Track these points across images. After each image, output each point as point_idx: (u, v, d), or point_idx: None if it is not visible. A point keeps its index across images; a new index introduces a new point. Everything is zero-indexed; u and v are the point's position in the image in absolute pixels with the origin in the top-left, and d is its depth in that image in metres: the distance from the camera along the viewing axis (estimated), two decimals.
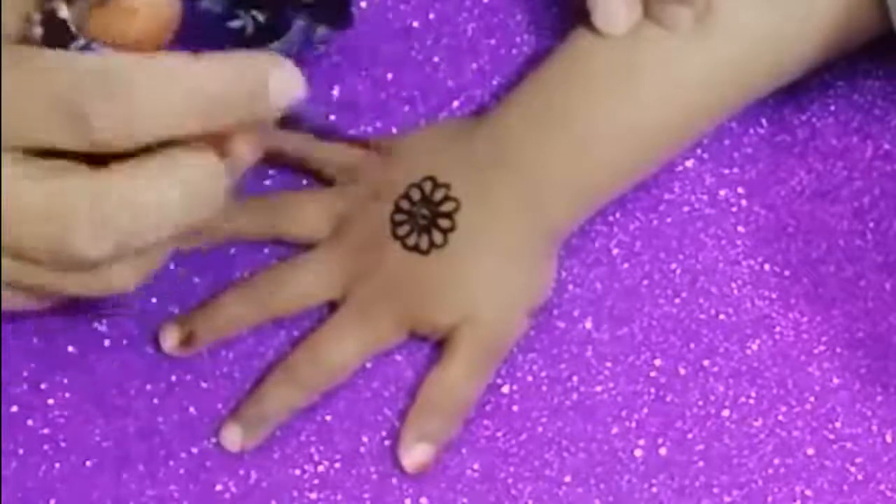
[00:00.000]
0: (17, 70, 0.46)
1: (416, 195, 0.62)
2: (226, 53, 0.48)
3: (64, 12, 0.48)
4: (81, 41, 0.48)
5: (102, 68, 0.46)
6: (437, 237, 0.62)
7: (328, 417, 0.63)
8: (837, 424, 0.62)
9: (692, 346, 0.63)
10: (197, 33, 0.49)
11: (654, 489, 0.62)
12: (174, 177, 0.48)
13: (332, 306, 0.63)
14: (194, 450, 0.62)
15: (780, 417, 0.63)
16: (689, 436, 0.62)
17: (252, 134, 0.50)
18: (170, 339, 0.63)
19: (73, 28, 0.48)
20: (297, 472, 0.62)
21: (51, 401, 0.63)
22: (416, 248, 0.62)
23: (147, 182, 0.47)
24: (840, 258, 0.64)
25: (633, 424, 0.63)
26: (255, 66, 0.48)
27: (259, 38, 0.57)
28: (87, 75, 0.46)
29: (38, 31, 0.48)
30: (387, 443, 0.63)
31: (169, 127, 0.47)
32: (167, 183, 0.47)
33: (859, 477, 0.62)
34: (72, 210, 0.46)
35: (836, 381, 0.63)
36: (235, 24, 0.55)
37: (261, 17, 0.56)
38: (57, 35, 0.48)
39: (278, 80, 0.48)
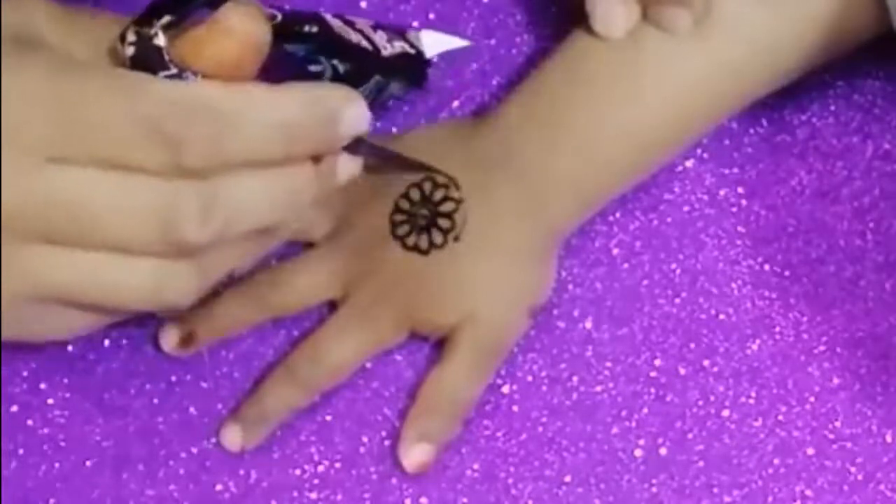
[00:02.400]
0: (105, 86, 0.48)
1: (415, 195, 0.62)
2: (304, 84, 0.52)
3: (160, 40, 0.49)
4: (173, 70, 0.49)
5: (196, 97, 0.49)
6: (437, 237, 0.62)
7: (328, 417, 0.63)
8: (837, 424, 0.62)
9: (692, 346, 0.63)
10: (278, 73, 0.51)
11: (654, 489, 0.62)
12: (275, 177, 0.52)
13: (332, 306, 0.63)
14: (194, 450, 0.62)
15: (780, 417, 0.63)
16: (689, 436, 0.62)
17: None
18: (170, 339, 0.63)
19: (166, 56, 0.49)
20: (297, 472, 0.62)
21: (50, 400, 0.63)
22: (415, 249, 0.62)
23: (250, 178, 0.51)
24: (840, 258, 0.64)
25: (633, 424, 0.63)
26: (332, 99, 0.52)
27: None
28: (180, 104, 0.48)
29: (129, 50, 0.49)
30: (387, 443, 0.63)
31: (255, 153, 0.50)
32: (267, 178, 0.51)
33: (859, 477, 0.62)
34: (185, 205, 0.49)
35: (836, 381, 0.63)
36: (315, 68, 0.56)
37: (341, 68, 0.57)
38: (148, 60, 0.49)
39: (350, 112, 0.53)
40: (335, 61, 0.56)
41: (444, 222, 0.62)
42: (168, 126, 0.48)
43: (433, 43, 0.61)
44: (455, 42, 0.61)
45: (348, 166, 0.55)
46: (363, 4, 0.67)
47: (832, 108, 0.66)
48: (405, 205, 0.62)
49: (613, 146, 0.62)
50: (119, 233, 0.49)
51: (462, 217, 0.61)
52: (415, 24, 0.67)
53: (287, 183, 0.52)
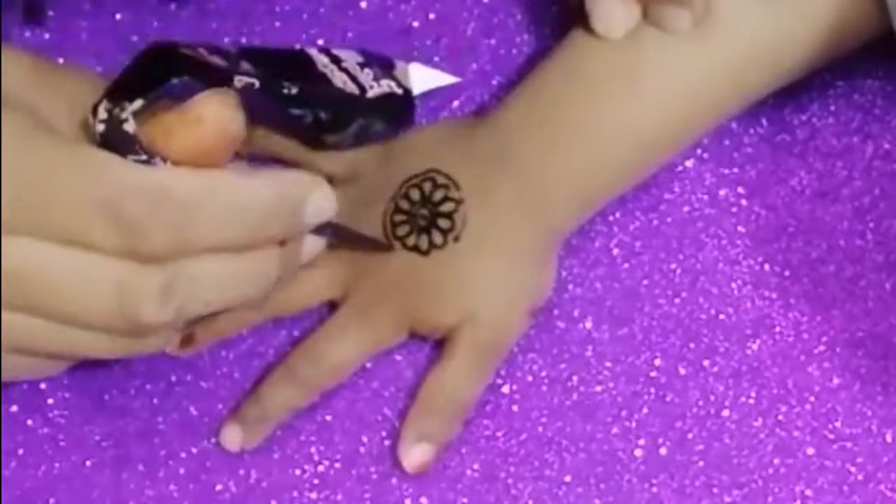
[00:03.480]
0: (68, 161, 0.48)
1: (415, 195, 0.62)
2: (270, 172, 0.53)
3: (130, 126, 0.49)
4: (142, 156, 0.49)
5: (160, 184, 0.48)
6: (437, 237, 0.62)
7: (328, 417, 0.63)
8: (837, 424, 0.62)
9: (692, 346, 0.63)
10: (259, 111, 0.51)
11: (654, 489, 0.62)
12: (237, 260, 0.51)
13: (332, 306, 0.63)
14: (194, 450, 0.62)
15: (780, 417, 0.63)
16: (689, 436, 0.62)
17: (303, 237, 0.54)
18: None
19: (137, 144, 0.49)
20: (297, 472, 0.62)
21: (50, 400, 0.63)
22: (415, 249, 0.62)
23: (212, 262, 0.50)
24: (840, 258, 0.64)
25: (633, 424, 0.63)
26: (297, 188, 0.52)
27: (316, 129, 0.59)
28: (143, 189, 0.48)
29: (99, 127, 0.49)
30: (387, 443, 0.63)
31: (217, 241, 0.50)
32: (230, 262, 0.51)
33: (859, 477, 0.62)
34: (143, 286, 0.49)
35: (836, 381, 0.63)
36: (297, 112, 0.57)
37: (323, 115, 0.57)
38: (118, 142, 0.49)
39: (315, 202, 0.53)
40: (317, 109, 0.57)
41: (443, 222, 0.62)
42: (129, 212, 0.48)
43: (421, 79, 0.61)
44: (443, 79, 0.62)
45: (312, 246, 0.55)
46: (363, 4, 0.67)
47: (832, 108, 0.66)
48: (405, 205, 0.62)
49: (613, 146, 0.61)
50: (75, 309, 0.49)
51: (462, 217, 0.61)
52: (415, 24, 0.67)
53: (249, 267, 0.52)
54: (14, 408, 0.62)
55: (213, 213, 0.49)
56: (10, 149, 0.47)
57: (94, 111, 0.49)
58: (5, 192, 0.47)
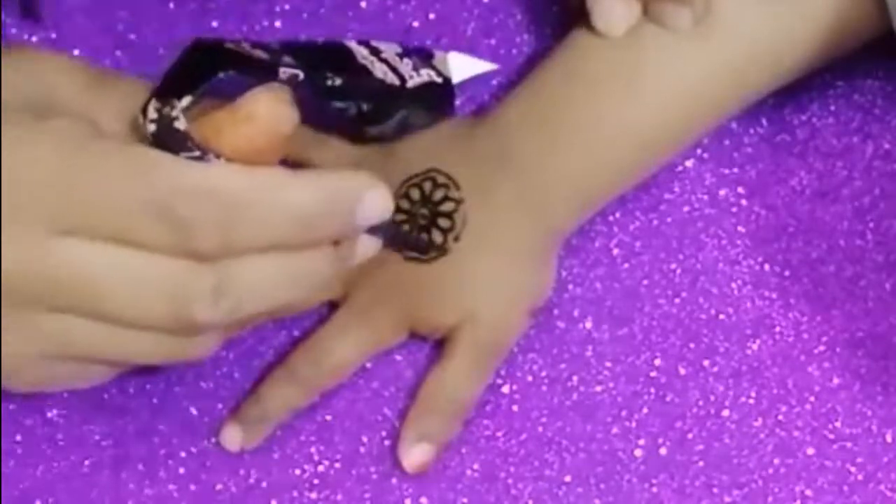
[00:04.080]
0: (119, 162, 0.48)
1: (415, 195, 0.62)
2: (323, 172, 0.51)
3: (181, 123, 0.48)
4: (195, 153, 0.49)
5: (212, 183, 0.48)
6: (437, 237, 0.62)
7: (328, 417, 0.63)
8: (837, 424, 0.62)
9: (692, 346, 0.63)
10: (303, 106, 0.51)
11: (654, 489, 0.62)
12: (290, 260, 0.51)
13: (333, 306, 0.63)
14: (194, 450, 0.62)
15: (780, 417, 0.63)
16: (689, 436, 0.62)
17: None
18: None
19: (189, 140, 0.49)
20: (297, 472, 0.62)
21: (49, 399, 0.62)
22: (415, 248, 0.62)
23: (265, 261, 0.50)
24: (840, 258, 0.64)
25: (633, 424, 0.63)
26: (351, 189, 0.51)
27: (360, 121, 0.59)
28: (194, 188, 0.48)
29: (150, 127, 0.49)
30: (387, 443, 0.62)
31: (269, 240, 0.50)
32: (282, 262, 0.51)
33: (859, 477, 0.62)
34: (196, 285, 0.49)
35: (836, 381, 0.63)
36: (339, 104, 0.57)
37: (365, 107, 0.57)
38: (169, 140, 0.49)
39: (369, 202, 0.51)
40: (360, 101, 0.57)
41: (443, 222, 0.62)
42: (180, 211, 0.48)
43: (460, 67, 0.61)
44: (482, 66, 0.62)
45: (367, 247, 0.54)
46: (363, 4, 0.67)
47: (832, 108, 0.66)
48: (405, 204, 0.62)
49: (613, 146, 0.62)
50: (128, 310, 0.49)
51: (462, 217, 0.61)
52: (415, 24, 0.67)
53: (302, 267, 0.52)
54: (12, 407, 0.62)
55: (265, 212, 0.49)
56: (61, 153, 0.48)
57: (144, 111, 0.49)
58: (58, 195, 0.47)
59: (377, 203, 0.52)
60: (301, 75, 0.53)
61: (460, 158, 0.63)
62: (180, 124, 0.49)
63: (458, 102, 0.65)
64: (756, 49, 0.61)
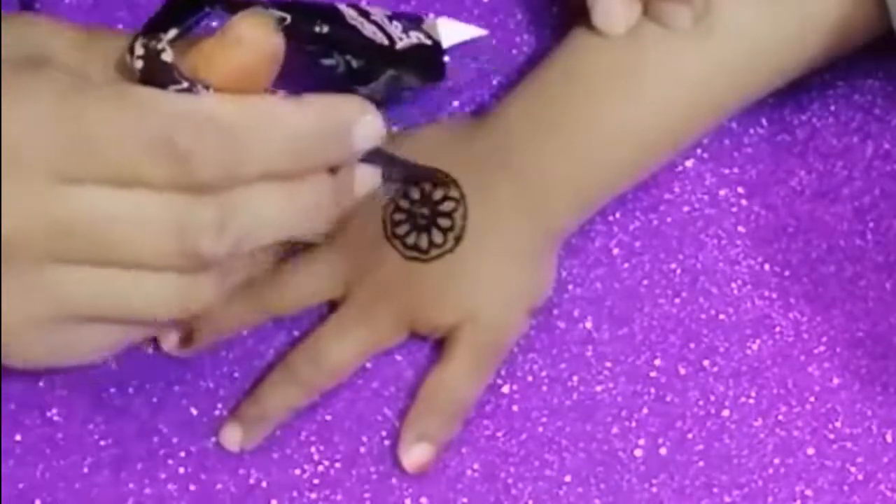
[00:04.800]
0: (113, 104, 0.48)
1: (415, 195, 0.62)
2: (317, 96, 0.52)
3: (168, 55, 0.49)
4: (184, 84, 0.49)
5: (207, 112, 0.49)
6: (437, 237, 0.62)
7: (328, 417, 0.63)
8: (837, 424, 0.62)
9: (692, 346, 0.63)
10: (289, 66, 0.51)
11: (654, 489, 0.62)
12: (290, 188, 0.51)
13: (333, 306, 0.63)
14: (194, 450, 0.62)
15: (780, 417, 0.63)
16: (689, 436, 0.62)
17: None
18: (170, 339, 0.63)
19: (177, 72, 0.49)
20: (297, 472, 0.62)
21: (49, 399, 0.62)
22: (415, 248, 0.62)
23: (265, 190, 0.51)
24: (840, 258, 0.64)
25: (633, 424, 0.63)
26: (344, 111, 0.52)
27: (348, 80, 0.59)
28: (190, 118, 0.48)
29: (137, 64, 0.49)
30: (387, 443, 0.62)
31: (268, 165, 0.50)
32: (283, 191, 0.51)
33: (859, 477, 0.62)
34: (200, 217, 0.49)
35: (836, 381, 0.63)
36: (328, 62, 0.56)
37: (354, 63, 0.57)
38: (158, 74, 0.49)
39: (364, 125, 0.52)
40: (348, 56, 0.56)
41: (444, 221, 0.62)
42: (179, 140, 0.48)
43: (450, 32, 0.61)
44: (472, 31, 0.61)
45: (366, 178, 0.55)
46: (363, 4, 0.67)
47: (832, 108, 0.66)
48: (405, 204, 0.62)
49: (613, 145, 0.62)
50: (135, 249, 0.49)
51: (462, 216, 0.61)
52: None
53: (303, 195, 0.52)
54: (12, 406, 0.62)
55: (261, 137, 0.49)
56: (56, 100, 0.48)
57: (131, 50, 0.49)
58: (56, 142, 0.47)
59: (371, 126, 0.53)
60: (288, 19, 0.53)
61: (460, 158, 0.63)
62: (167, 56, 0.49)
63: (456, 104, 0.65)
64: (756, 49, 0.61)
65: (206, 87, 0.49)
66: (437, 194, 0.62)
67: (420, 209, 0.62)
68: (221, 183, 0.49)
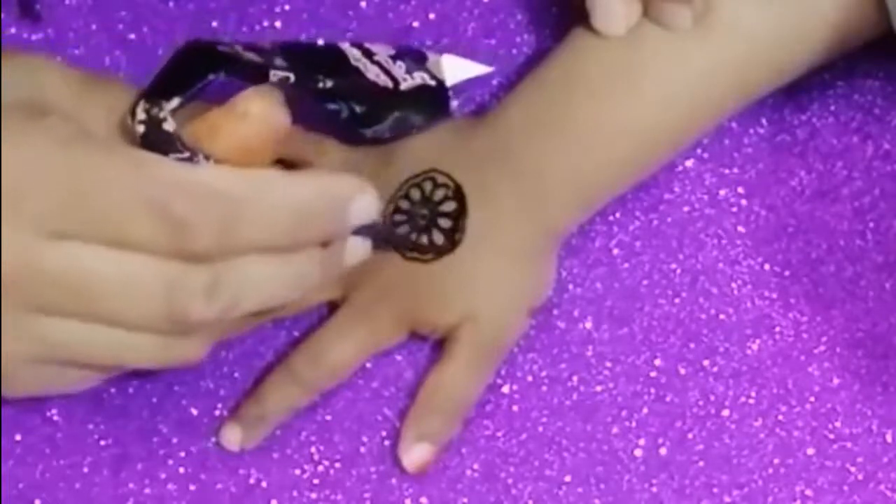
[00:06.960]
0: (114, 162, 0.48)
1: (416, 195, 0.62)
2: (315, 172, 0.54)
3: (170, 125, 0.49)
4: (184, 153, 0.49)
5: (205, 182, 0.49)
6: (437, 237, 0.62)
7: (328, 417, 0.63)
8: (837, 424, 0.62)
9: (692, 346, 0.63)
10: (295, 109, 0.52)
11: (654, 489, 0.62)
12: (281, 260, 0.52)
13: (333, 306, 0.63)
14: (194, 450, 0.62)
15: (780, 417, 0.63)
16: (689, 436, 0.62)
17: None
18: None
19: (178, 142, 0.49)
20: (297, 472, 0.62)
21: (49, 399, 0.62)
22: (415, 248, 0.62)
23: (257, 261, 0.51)
24: (840, 258, 0.64)
25: (633, 424, 0.63)
26: (342, 188, 0.53)
27: (353, 123, 0.59)
28: (189, 187, 0.48)
29: (139, 129, 0.49)
30: (387, 443, 0.63)
31: (263, 239, 0.50)
32: (274, 262, 0.52)
33: (859, 477, 0.62)
34: (190, 284, 0.49)
35: (836, 381, 0.63)
36: (333, 106, 0.57)
37: (358, 109, 0.58)
38: (158, 141, 0.49)
39: (360, 202, 0.53)
40: (352, 103, 0.57)
41: (444, 222, 0.62)
42: (175, 208, 0.48)
43: (453, 70, 0.61)
44: (476, 69, 0.62)
45: (357, 250, 0.56)
46: (363, 4, 0.67)
47: (832, 108, 0.66)
48: (405, 205, 0.62)
49: (613, 145, 0.62)
50: (123, 311, 0.50)
51: (462, 217, 0.61)
52: (415, 24, 0.67)
53: (294, 267, 0.52)
54: (12, 406, 0.62)
55: (258, 211, 0.50)
56: (51, 152, 0.48)
57: (133, 113, 0.49)
58: (50, 195, 0.47)
59: (367, 204, 0.53)
60: (292, 78, 0.53)
61: (460, 158, 0.63)
62: (169, 126, 0.49)
63: (456, 104, 0.65)
64: (756, 49, 0.61)
65: (207, 158, 0.49)
66: (438, 195, 0.62)
67: (420, 210, 0.62)
68: (214, 252, 0.49)
